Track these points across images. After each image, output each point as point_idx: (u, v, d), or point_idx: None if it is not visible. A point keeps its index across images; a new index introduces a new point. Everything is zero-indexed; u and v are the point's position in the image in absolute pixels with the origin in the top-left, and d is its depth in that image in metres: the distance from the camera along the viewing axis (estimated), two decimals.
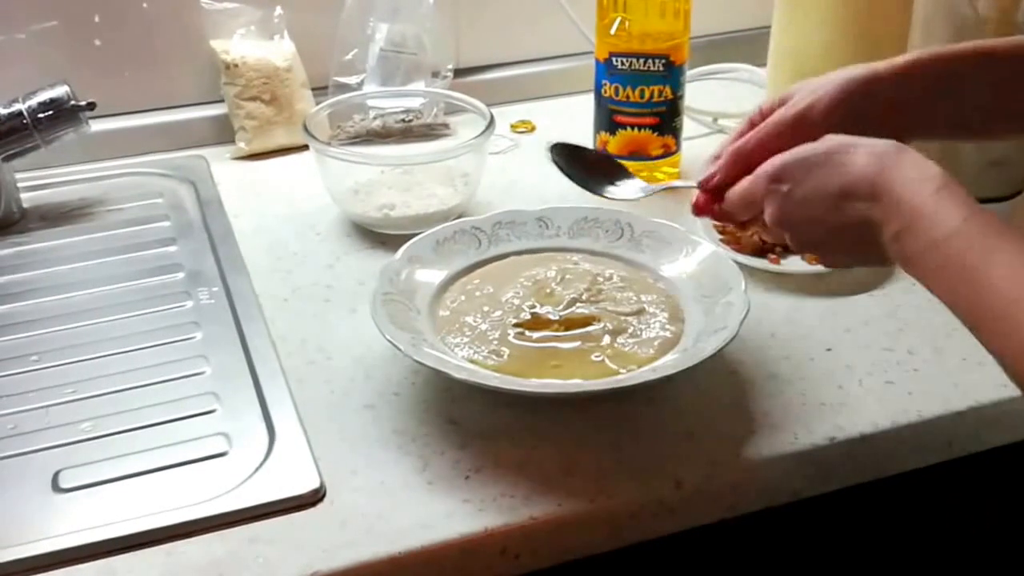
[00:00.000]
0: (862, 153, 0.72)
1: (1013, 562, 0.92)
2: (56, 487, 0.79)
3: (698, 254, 0.96)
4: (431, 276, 0.94)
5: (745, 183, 0.80)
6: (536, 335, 0.88)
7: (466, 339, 0.88)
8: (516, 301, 0.92)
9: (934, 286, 0.69)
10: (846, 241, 0.74)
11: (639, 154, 1.16)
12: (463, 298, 0.93)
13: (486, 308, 0.91)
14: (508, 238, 0.99)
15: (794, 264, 1.03)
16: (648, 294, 0.93)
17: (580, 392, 0.83)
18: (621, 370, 0.85)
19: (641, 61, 1.13)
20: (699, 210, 0.86)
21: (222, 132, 1.27)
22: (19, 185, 1.15)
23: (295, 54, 1.28)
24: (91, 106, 1.11)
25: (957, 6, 0.97)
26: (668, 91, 1.14)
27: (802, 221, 0.76)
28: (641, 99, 1.14)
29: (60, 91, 1.10)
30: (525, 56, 1.40)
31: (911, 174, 0.69)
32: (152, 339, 0.94)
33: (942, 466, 0.87)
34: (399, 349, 0.82)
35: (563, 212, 1.01)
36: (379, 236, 1.07)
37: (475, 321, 0.90)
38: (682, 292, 0.93)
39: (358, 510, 0.76)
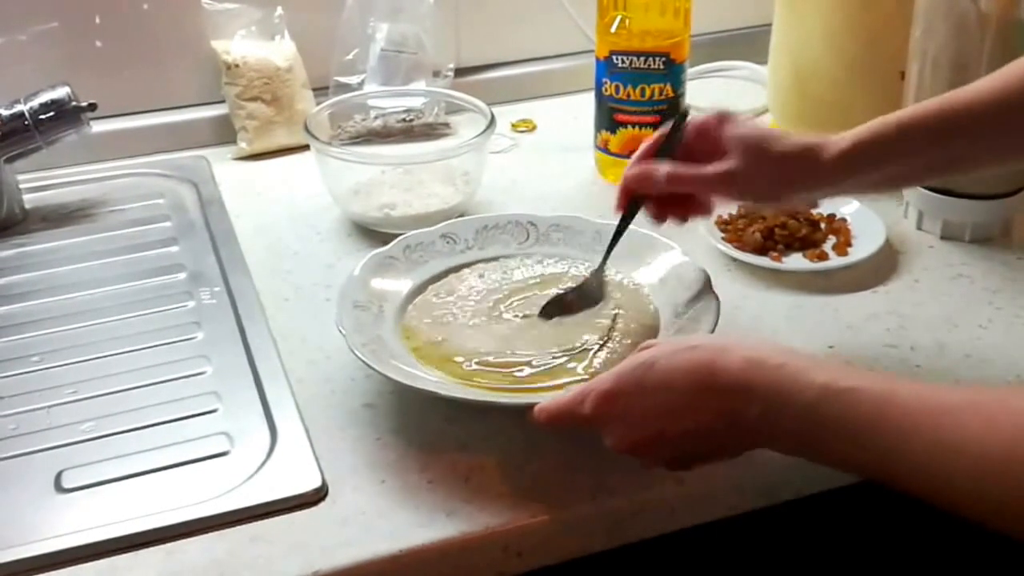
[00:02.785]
0: (676, 363, 0.69)
1: (1014, 559, 0.91)
2: (58, 487, 0.79)
3: (669, 260, 0.95)
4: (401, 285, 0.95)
5: (566, 404, 0.74)
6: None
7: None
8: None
9: (818, 451, 0.66)
10: (708, 434, 0.69)
11: None
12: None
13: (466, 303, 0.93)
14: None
15: (795, 262, 1.03)
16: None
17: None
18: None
19: (642, 59, 1.13)
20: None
21: (223, 132, 1.27)
22: (21, 186, 1.15)
23: (296, 54, 1.28)
24: (92, 107, 1.11)
25: (957, 2, 0.97)
26: (669, 89, 1.14)
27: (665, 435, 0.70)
28: (642, 97, 1.14)
29: (61, 92, 1.10)
30: (526, 55, 1.40)
31: (743, 359, 0.67)
32: (154, 339, 0.94)
33: None
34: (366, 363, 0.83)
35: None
36: (380, 236, 1.07)
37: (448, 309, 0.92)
38: (655, 300, 0.93)
39: (359, 509, 0.76)
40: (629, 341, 0.88)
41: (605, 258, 0.92)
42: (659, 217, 0.90)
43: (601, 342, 0.87)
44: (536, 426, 0.75)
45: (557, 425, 0.75)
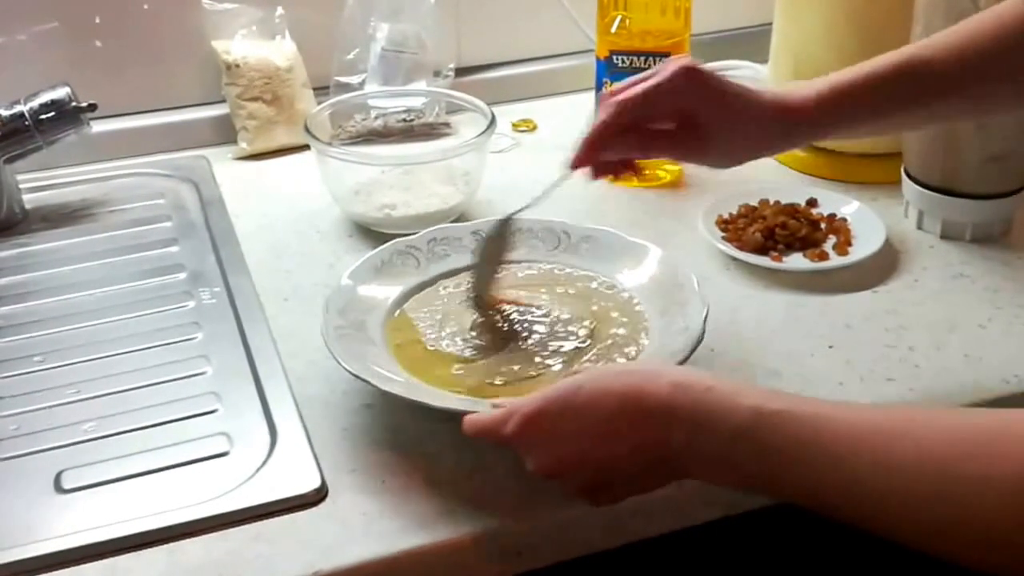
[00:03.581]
0: (603, 387, 0.67)
1: None
2: (58, 487, 0.79)
3: (652, 261, 0.94)
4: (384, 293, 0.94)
5: (491, 422, 0.72)
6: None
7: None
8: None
9: (747, 476, 0.64)
10: (634, 461, 0.67)
11: None
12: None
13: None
14: (445, 254, 0.98)
15: (795, 261, 1.03)
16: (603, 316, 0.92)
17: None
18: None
19: (642, 59, 1.13)
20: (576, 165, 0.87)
21: (224, 132, 1.27)
22: (21, 186, 1.15)
23: (296, 54, 1.28)
24: (92, 107, 1.11)
25: (957, 1, 0.97)
26: None
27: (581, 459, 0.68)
28: None
29: (61, 92, 1.10)
30: (526, 55, 1.40)
31: (671, 383, 0.65)
32: (154, 339, 0.94)
33: None
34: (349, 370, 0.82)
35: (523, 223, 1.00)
36: (380, 236, 1.07)
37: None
38: (643, 303, 0.92)
39: (359, 509, 0.76)
40: (609, 344, 0.88)
41: (521, 208, 0.92)
42: (595, 176, 0.89)
43: (574, 347, 0.87)
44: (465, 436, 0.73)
45: (482, 440, 0.73)
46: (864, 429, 0.60)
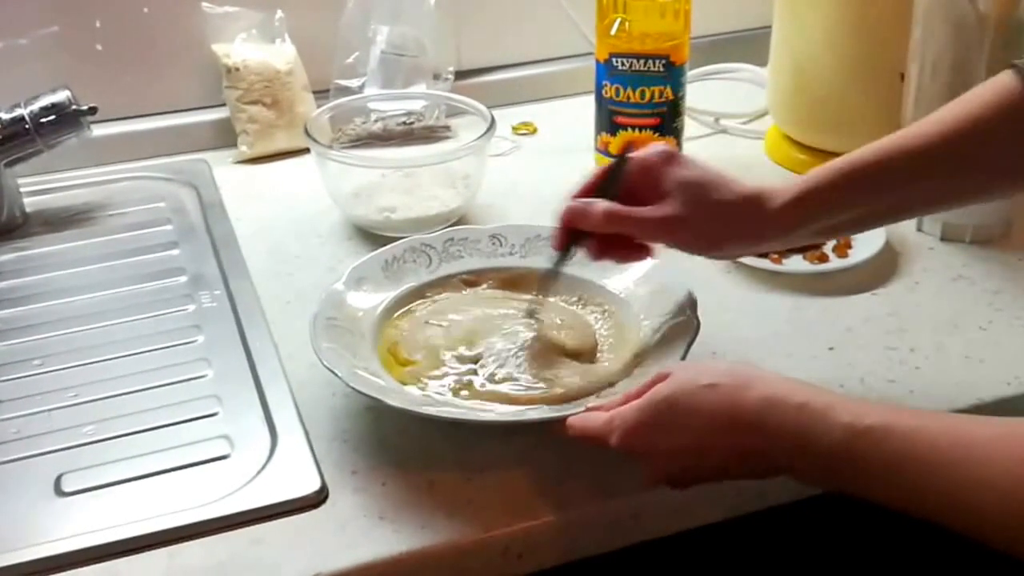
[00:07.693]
0: (696, 404, 0.69)
1: (1016, 561, 0.91)
2: (59, 491, 0.79)
3: (645, 269, 0.93)
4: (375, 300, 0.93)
5: (595, 431, 0.74)
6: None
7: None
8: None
9: (846, 488, 0.67)
10: (735, 467, 0.70)
11: None
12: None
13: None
14: (459, 255, 0.98)
15: (796, 264, 1.03)
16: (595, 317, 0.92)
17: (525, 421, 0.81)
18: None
19: (641, 62, 1.13)
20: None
21: (224, 136, 1.27)
22: (22, 190, 1.15)
23: (296, 57, 1.28)
24: (93, 110, 1.11)
25: (956, 4, 0.97)
26: (669, 91, 1.14)
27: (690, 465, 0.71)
28: (642, 100, 1.14)
29: (62, 96, 1.10)
30: (526, 58, 1.40)
31: (762, 398, 0.67)
32: (154, 343, 0.94)
33: None
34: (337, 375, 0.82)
35: (514, 230, 1.00)
36: (381, 239, 1.07)
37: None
38: (630, 309, 0.92)
39: (360, 511, 0.76)
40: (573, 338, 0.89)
41: (542, 292, 0.91)
42: (597, 256, 0.86)
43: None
44: (567, 437, 0.76)
45: (585, 444, 0.76)
46: (960, 442, 0.61)
